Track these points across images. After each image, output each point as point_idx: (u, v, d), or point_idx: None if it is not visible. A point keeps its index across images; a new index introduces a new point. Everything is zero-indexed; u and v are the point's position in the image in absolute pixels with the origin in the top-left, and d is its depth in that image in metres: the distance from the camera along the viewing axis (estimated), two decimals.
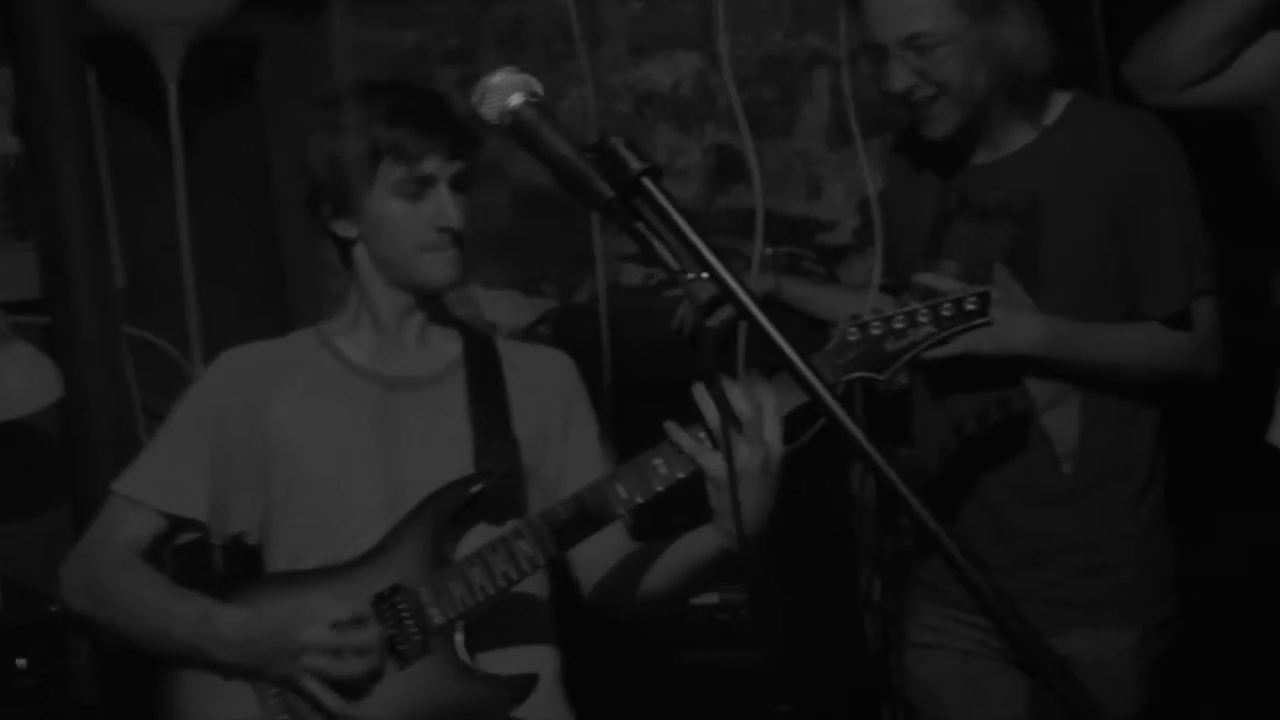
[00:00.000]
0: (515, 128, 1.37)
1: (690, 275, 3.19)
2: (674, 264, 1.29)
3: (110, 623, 2.19)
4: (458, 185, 2.19)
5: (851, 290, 2.92)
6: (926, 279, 2.31)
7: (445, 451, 2.20)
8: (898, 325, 2.07)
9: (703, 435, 1.98)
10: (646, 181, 1.29)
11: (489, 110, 1.39)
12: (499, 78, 1.39)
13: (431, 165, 2.16)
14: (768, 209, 3.45)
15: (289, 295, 3.61)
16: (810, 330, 2.86)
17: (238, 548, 2.30)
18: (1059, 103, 2.46)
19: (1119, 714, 2.44)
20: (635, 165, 1.30)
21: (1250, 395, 2.48)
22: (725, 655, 3.07)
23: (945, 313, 2.08)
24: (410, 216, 2.17)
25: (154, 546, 2.24)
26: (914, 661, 2.63)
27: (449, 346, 2.31)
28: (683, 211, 1.27)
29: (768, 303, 2.88)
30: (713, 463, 1.96)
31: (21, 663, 2.78)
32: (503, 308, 3.52)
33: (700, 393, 1.96)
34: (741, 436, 1.94)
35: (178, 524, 2.23)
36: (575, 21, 3.18)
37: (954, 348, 2.29)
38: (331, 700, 2.06)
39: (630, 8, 3.59)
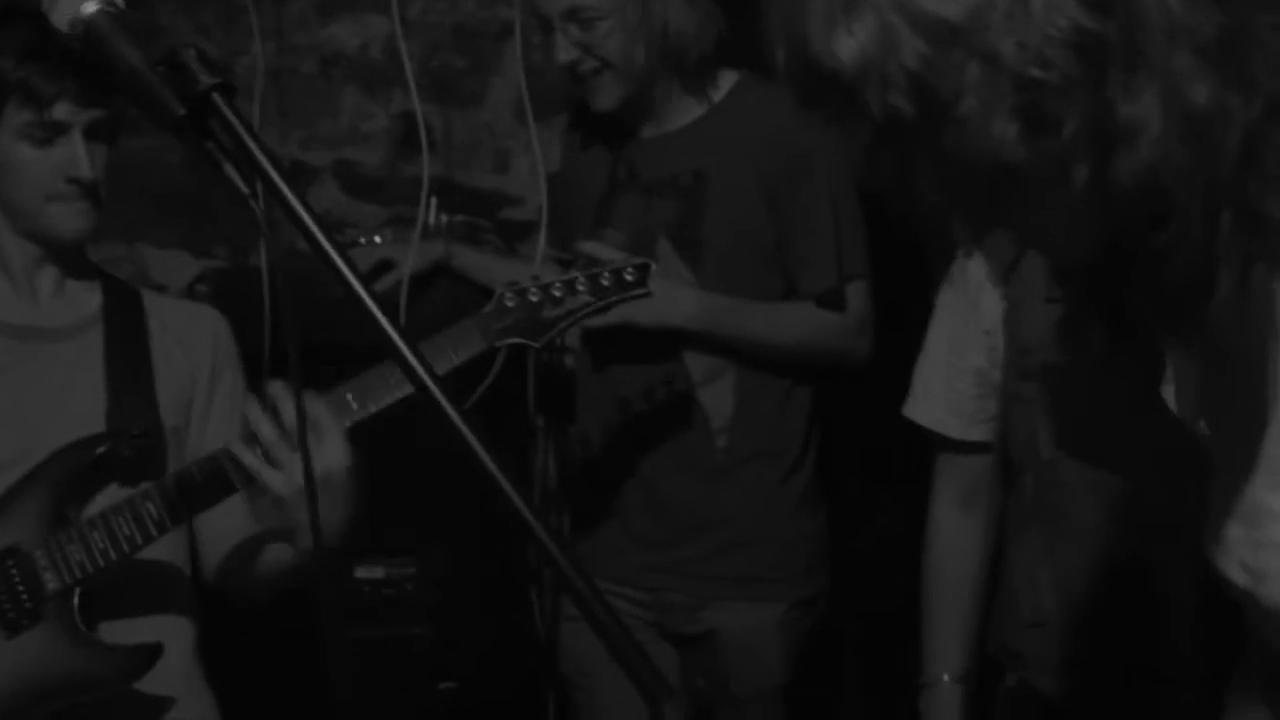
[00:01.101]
0: (87, 38, 1.28)
1: (362, 239, 3.09)
2: (243, 187, 1.22)
3: None
4: (94, 133, 2.04)
5: (520, 261, 2.91)
6: (589, 247, 2.33)
7: (76, 408, 2.07)
8: (555, 293, 2.08)
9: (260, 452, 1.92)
10: (217, 98, 1.21)
11: (59, 17, 1.29)
12: None
13: (63, 110, 2.00)
14: (455, 181, 3.41)
15: None
16: (483, 299, 2.84)
17: None
18: (726, 81, 2.50)
19: (762, 686, 2.50)
20: (206, 80, 1.21)
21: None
22: (390, 631, 3.01)
23: (604, 282, 2.10)
24: (38, 163, 2.01)
25: None
26: (567, 634, 2.64)
27: (89, 299, 2.17)
28: (250, 130, 1.20)
29: (438, 270, 2.84)
30: (272, 480, 1.91)
31: None
32: (172, 268, 3.37)
33: (252, 407, 1.92)
34: (288, 454, 1.90)
35: None
36: None
37: (612, 317, 2.30)
38: None
39: None
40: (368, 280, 2.52)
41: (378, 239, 3.04)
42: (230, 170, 1.21)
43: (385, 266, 2.85)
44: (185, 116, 1.22)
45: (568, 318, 2.08)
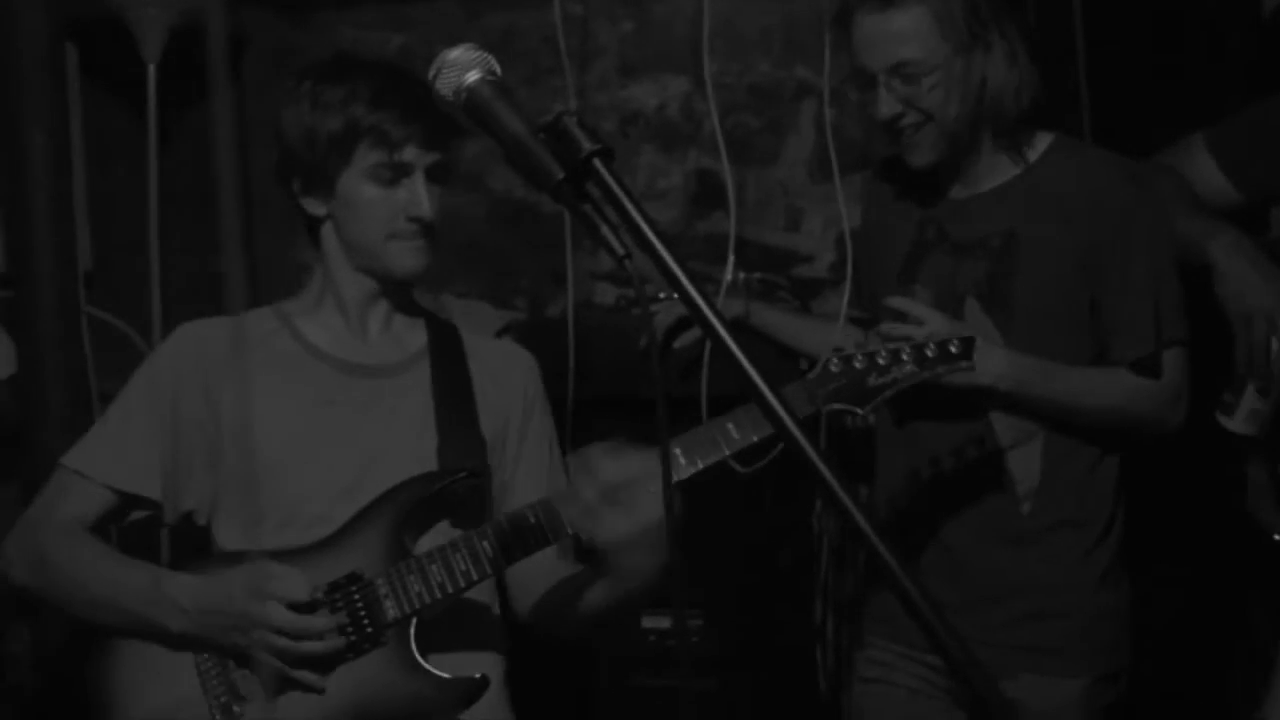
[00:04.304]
0: (470, 105, 1.35)
1: (661, 294, 3.16)
2: (619, 249, 1.27)
3: (54, 593, 2.12)
4: (434, 175, 2.15)
5: (820, 320, 2.90)
6: (897, 302, 2.33)
7: (408, 443, 2.16)
8: (881, 361, 2.12)
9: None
10: (597, 163, 1.26)
11: (445, 85, 1.36)
12: (457, 53, 1.36)
13: (410, 153, 2.11)
14: (747, 238, 3.44)
15: (260, 292, 3.57)
16: (778, 358, 2.85)
17: (185, 530, 2.24)
18: (1041, 142, 2.46)
19: None
20: (587, 146, 1.26)
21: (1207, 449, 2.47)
22: (672, 681, 3.03)
23: (929, 353, 2.13)
24: (382, 202, 2.13)
25: (101, 523, 2.17)
26: (860, 695, 2.60)
27: (414, 336, 2.27)
28: (629, 193, 1.24)
29: (736, 327, 2.87)
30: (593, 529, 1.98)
31: None
32: (473, 318, 3.49)
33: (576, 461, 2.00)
34: (615, 507, 1.95)
35: (128, 501, 2.17)
36: (561, 38, 3.18)
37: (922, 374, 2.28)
38: (297, 674, 2.01)
39: (622, 28, 3.57)
40: (670, 337, 2.57)
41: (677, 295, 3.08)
42: (606, 231, 1.26)
43: (686, 323, 2.89)
44: (564, 180, 1.27)
45: (891, 386, 2.12)
